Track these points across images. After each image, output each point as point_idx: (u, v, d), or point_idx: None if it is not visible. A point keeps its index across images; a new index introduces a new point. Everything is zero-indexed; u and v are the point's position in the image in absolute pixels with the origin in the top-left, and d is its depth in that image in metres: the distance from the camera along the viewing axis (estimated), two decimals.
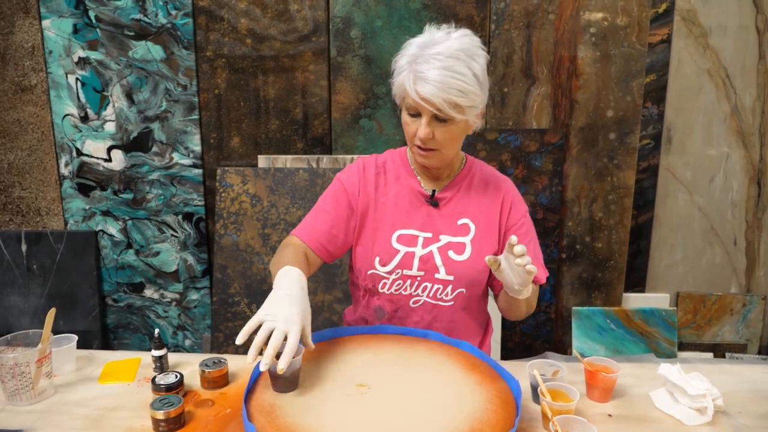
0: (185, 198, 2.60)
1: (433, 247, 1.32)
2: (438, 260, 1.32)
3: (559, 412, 1.01)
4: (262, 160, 2.53)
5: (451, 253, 1.32)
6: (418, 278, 1.33)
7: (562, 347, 2.69)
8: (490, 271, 1.34)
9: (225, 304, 2.44)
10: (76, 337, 1.32)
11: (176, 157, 2.55)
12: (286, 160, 2.53)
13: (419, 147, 1.24)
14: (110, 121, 2.53)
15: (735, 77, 2.48)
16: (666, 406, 1.12)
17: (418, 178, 1.36)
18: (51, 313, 1.20)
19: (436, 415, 0.99)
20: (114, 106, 2.51)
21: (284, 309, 1.07)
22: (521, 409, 1.06)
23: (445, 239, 1.33)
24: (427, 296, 1.34)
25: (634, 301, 2.68)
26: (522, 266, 1.06)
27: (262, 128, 2.53)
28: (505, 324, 2.60)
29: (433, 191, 1.35)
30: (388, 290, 1.34)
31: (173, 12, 2.42)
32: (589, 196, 2.56)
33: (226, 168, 2.47)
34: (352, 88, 2.48)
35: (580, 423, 0.97)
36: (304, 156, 2.52)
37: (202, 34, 2.45)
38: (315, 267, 1.35)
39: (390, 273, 1.32)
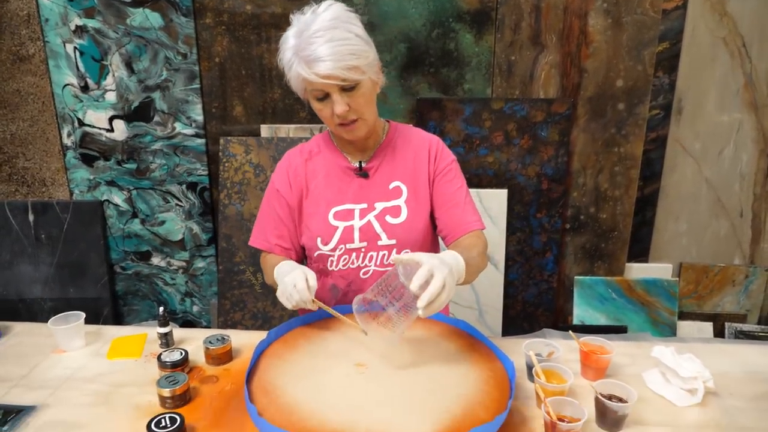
0: (189, 168, 2.60)
1: (370, 216, 1.36)
2: (377, 228, 1.35)
3: (552, 394, 1.03)
4: (265, 130, 2.52)
5: (388, 218, 1.35)
6: (363, 249, 1.36)
7: (563, 316, 2.72)
8: (432, 227, 1.41)
9: (231, 272, 2.48)
10: (83, 314, 1.35)
11: (178, 126, 2.55)
12: (288, 130, 2.52)
13: (341, 124, 1.26)
14: (111, 90, 2.51)
15: (751, 46, 2.41)
16: (658, 387, 1.14)
17: (344, 154, 1.40)
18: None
19: (432, 396, 1.01)
20: (114, 75, 2.49)
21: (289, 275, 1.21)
22: (516, 389, 1.09)
23: (380, 206, 1.36)
24: (375, 265, 1.37)
25: (636, 271, 2.69)
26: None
27: (265, 97, 2.52)
28: (507, 292, 2.63)
29: (360, 163, 1.38)
30: (336, 267, 1.37)
31: None
32: (595, 166, 2.54)
33: (229, 138, 2.46)
34: None
35: (571, 405, 0.99)
36: (308, 125, 2.51)
37: (201, 0, 2.41)
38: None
39: (333, 250, 1.36)
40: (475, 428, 0.86)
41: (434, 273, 0.98)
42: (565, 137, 2.48)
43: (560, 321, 2.72)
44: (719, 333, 2.73)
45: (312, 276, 1.19)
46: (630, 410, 1.01)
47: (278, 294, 1.22)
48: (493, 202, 2.52)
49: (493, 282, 2.57)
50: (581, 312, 2.65)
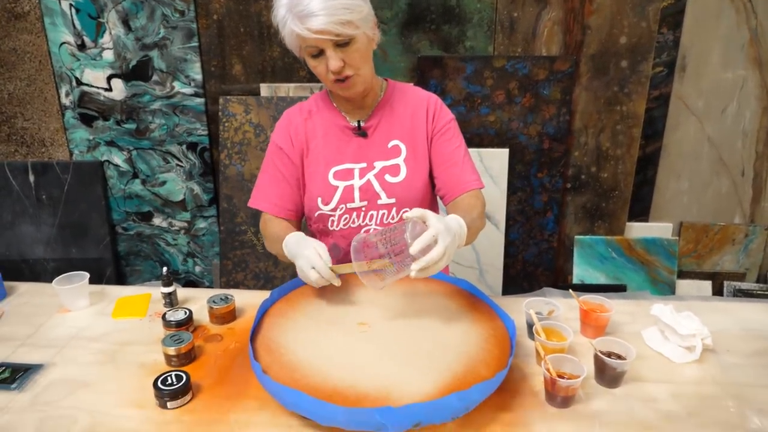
0: (188, 128, 2.58)
1: (370, 176, 1.35)
2: (377, 187, 1.35)
3: (552, 351, 1.05)
4: (265, 89, 2.49)
5: (387, 177, 1.35)
6: (363, 208, 1.36)
7: (563, 275, 2.74)
8: (431, 186, 1.40)
9: (232, 233, 2.49)
10: (87, 275, 1.36)
11: (177, 86, 2.51)
12: (288, 89, 2.48)
13: (337, 81, 1.24)
14: (108, 49, 2.47)
15: (757, 1, 2.36)
16: (656, 344, 1.16)
17: (342, 113, 1.38)
18: None
19: (433, 354, 1.03)
20: (111, 33, 2.44)
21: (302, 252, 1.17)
22: (516, 347, 1.11)
23: (379, 165, 1.36)
24: (376, 224, 1.37)
25: (637, 230, 2.70)
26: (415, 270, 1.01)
27: (264, 55, 2.47)
28: (508, 252, 2.65)
29: (359, 122, 1.37)
30: (337, 227, 1.38)
31: None
32: (597, 125, 2.52)
33: (229, 97, 2.43)
34: None
35: (571, 362, 1.01)
36: (308, 84, 2.48)
37: None
38: (298, 227, 1.40)
39: (334, 210, 1.36)
40: (477, 385, 0.88)
41: (438, 240, 0.99)
42: (567, 96, 2.45)
43: (560, 280, 2.75)
44: (718, 291, 2.76)
45: (323, 250, 1.17)
46: (628, 367, 1.03)
47: (299, 276, 1.20)
48: (495, 161, 2.50)
49: (493, 242, 2.59)
50: (581, 271, 2.67)
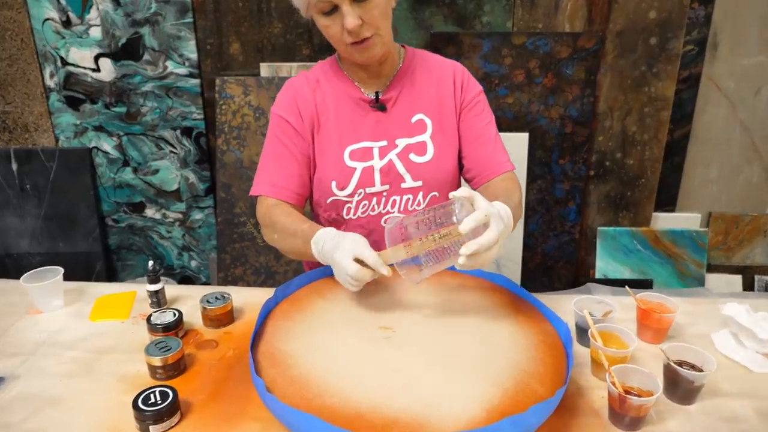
0: (183, 111, 2.40)
1: (392, 155, 1.17)
2: (401, 168, 1.17)
3: (614, 361, 0.87)
4: (265, 69, 2.31)
5: (413, 156, 1.18)
6: (384, 193, 1.18)
7: (585, 269, 2.57)
8: (460, 166, 1.23)
9: (230, 224, 2.32)
10: (62, 270, 1.18)
11: (170, 65, 2.33)
12: (290, 69, 2.31)
13: (353, 43, 1.06)
14: (95, 25, 2.28)
15: None
16: (730, 351, 0.99)
17: (356, 83, 1.20)
18: None
19: (475, 366, 0.85)
20: (98, 8, 2.25)
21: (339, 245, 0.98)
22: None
23: (402, 143, 1.18)
24: (398, 210, 1.19)
25: (663, 221, 2.52)
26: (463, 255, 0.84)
27: (264, 33, 2.29)
28: (527, 244, 2.48)
29: (377, 93, 1.18)
30: (354, 215, 1.20)
31: None
32: (623, 108, 2.34)
33: (226, 78, 2.25)
34: None
35: (638, 374, 0.83)
36: (310, 63, 2.30)
37: None
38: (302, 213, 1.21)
39: (351, 196, 1.18)
40: (534, 406, 0.70)
41: (490, 223, 0.83)
42: (592, 76, 2.27)
43: (582, 275, 2.58)
44: (749, 286, 2.59)
45: (365, 240, 0.98)
46: (707, 380, 0.85)
47: (338, 277, 1.00)
48: (513, 146, 2.32)
49: (511, 233, 2.41)
50: (604, 265, 2.50)
